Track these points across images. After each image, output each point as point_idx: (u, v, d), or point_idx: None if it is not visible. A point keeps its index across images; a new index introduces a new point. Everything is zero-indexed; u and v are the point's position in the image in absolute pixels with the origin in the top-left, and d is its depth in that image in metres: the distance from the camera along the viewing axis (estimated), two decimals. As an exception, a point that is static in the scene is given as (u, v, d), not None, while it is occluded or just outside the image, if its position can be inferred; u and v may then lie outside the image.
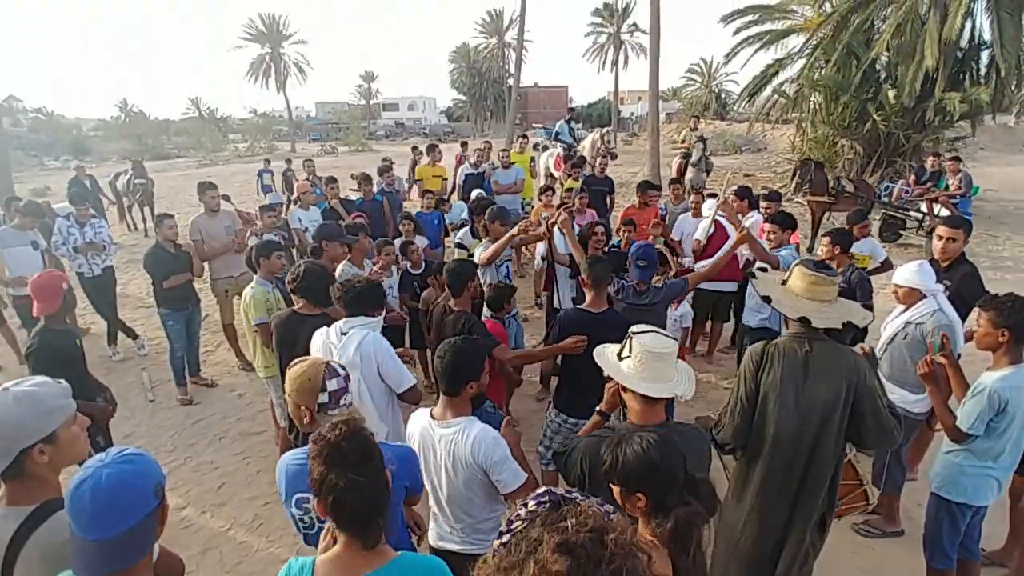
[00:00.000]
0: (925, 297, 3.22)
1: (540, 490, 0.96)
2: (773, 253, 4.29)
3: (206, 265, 5.60)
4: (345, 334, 2.84)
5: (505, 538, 0.90)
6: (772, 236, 4.53)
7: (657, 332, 1.98)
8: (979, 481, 2.60)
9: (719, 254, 4.13)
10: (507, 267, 4.70)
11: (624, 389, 1.96)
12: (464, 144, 11.07)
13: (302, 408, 1.95)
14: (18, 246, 5.66)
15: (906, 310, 3.32)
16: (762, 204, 5.22)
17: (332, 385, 1.95)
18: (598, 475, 1.87)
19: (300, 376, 1.96)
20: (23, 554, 1.42)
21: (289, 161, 14.31)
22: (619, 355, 1.99)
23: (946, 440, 2.70)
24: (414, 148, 13.12)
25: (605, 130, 11.67)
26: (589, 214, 6.01)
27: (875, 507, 3.56)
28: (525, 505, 0.92)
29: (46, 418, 1.53)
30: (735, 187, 5.95)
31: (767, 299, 2.29)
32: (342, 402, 1.99)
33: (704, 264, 4.89)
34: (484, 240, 4.69)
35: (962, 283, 3.65)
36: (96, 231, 6.03)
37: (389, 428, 2.78)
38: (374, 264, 4.69)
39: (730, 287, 5.40)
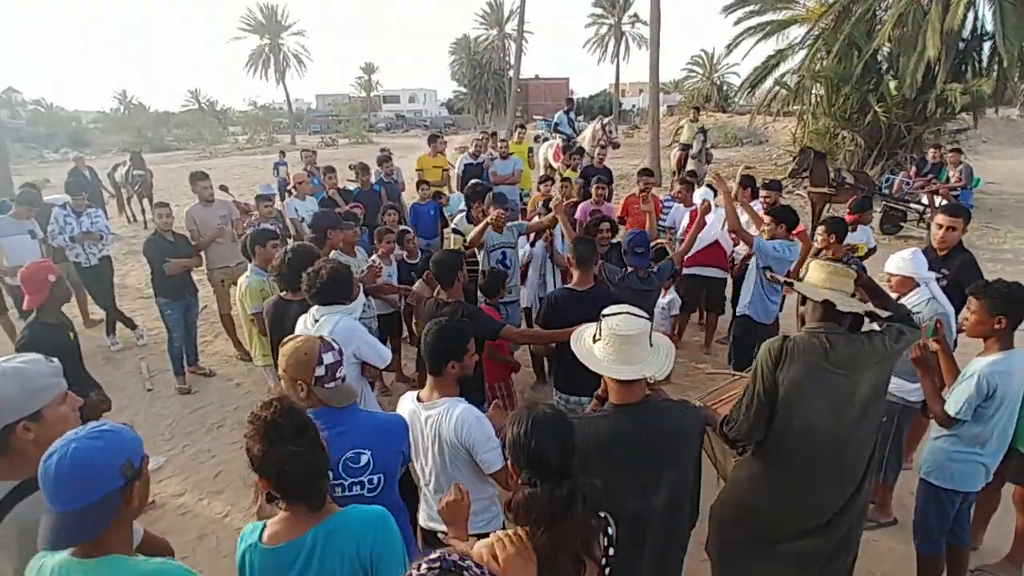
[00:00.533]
0: (918, 286, 3.21)
1: (435, 554, 1.02)
2: (767, 243, 4.26)
3: (203, 255, 5.60)
4: (318, 320, 2.87)
5: None
6: (767, 229, 4.51)
7: (628, 313, 1.97)
8: (966, 467, 2.60)
9: (692, 228, 4.26)
10: (504, 253, 4.69)
11: None
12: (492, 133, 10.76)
13: (298, 382, 1.97)
14: (15, 235, 5.67)
15: (899, 299, 3.31)
16: (761, 193, 5.21)
17: (328, 359, 1.99)
18: (581, 455, 1.90)
19: (295, 351, 1.99)
20: (0, 528, 1.43)
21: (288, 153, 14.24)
22: (593, 338, 2.00)
23: (935, 426, 2.70)
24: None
25: (607, 119, 11.58)
26: (606, 207, 6.00)
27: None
28: (418, 567, 0.98)
29: (32, 396, 1.54)
30: (741, 176, 5.93)
31: (788, 284, 2.33)
32: (337, 375, 2.01)
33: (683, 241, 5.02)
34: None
35: (960, 272, 3.61)
36: (92, 221, 6.03)
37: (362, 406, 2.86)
38: (376, 252, 4.73)
39: (717, 273, 5.45)
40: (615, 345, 1.90)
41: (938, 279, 3.39)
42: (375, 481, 1.94)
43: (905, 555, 3.08)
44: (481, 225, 4.43)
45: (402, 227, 5.64)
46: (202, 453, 4.47)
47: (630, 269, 3.71)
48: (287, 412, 1.48)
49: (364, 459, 1.91)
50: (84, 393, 3.47)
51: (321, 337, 2.07)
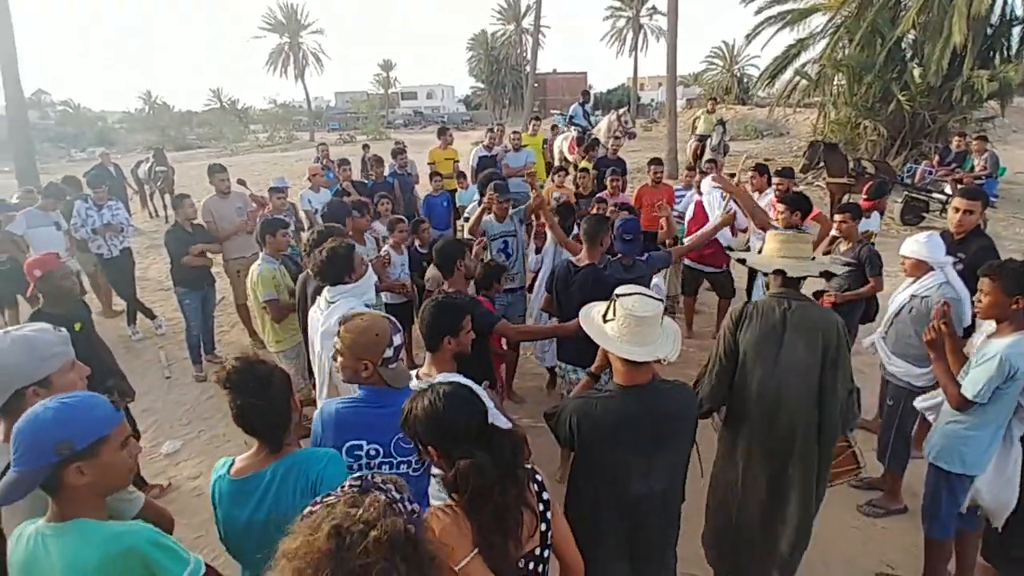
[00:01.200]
0: (932, 270, 3.15)
1: (358, 474, 1.03)
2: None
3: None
4: (332, 303, 2.89)
5: (315, 506, 0.99)
6: (781, 217, 4.45)
7: (642, 294, 1.96)
8: (978, 451, 2.53)
9: (698, 232, 4.31)
10: (505, 242, 4.71)
11: None
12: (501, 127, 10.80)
13: (363, 362, 1.94)
14: (42, 227, 5.86)
15: (913, 283, 3.26)
16: (774, 180, 5.13)
17: (396, 340, 1.99)
18: (585, 434, 1.90)
19: (366, 331, 1.95)
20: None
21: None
22: (604, 317, 1.98)
23: (946, 410, 2.63)
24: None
25: (623, 110, 11.50)
26: (622, 197, 5.98)
27: (877, 484, 3.54)
28: (343, 485, 1.00)
29: (41, 363, 1.61)
30: (751, 167, 5.84)
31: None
32: (400, 355, 2.04)
33: (689, 240, 5.05)
34: (488, 214, 4.72)
35: (976, 256, 3.49)
36: (113, 213, 6.19)
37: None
38: (390, 240, 4.87)
39: (713, 269, 5.52)
40: (630, 326, 1.88)
41: (954, 263, 3.31)
42: (423, 461, 1.92)
43: (917, 543, 3.03)
44: (478, 211, 4.50)
45: (417, 218, 5.71)
46: (217, 438, 4.58)
47: (616, 256, 3.66)
48: (247, 369, 1.67)
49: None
50: (101, 380, 3.60)
51: (390, 318, 2.06)
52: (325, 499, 1.00)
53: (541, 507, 1.53)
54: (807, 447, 2.21)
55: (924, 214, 9.82)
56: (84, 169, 12.75)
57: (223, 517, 1.69)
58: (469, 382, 2.15)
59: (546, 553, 1.54)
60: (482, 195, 5.33)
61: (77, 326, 3.33)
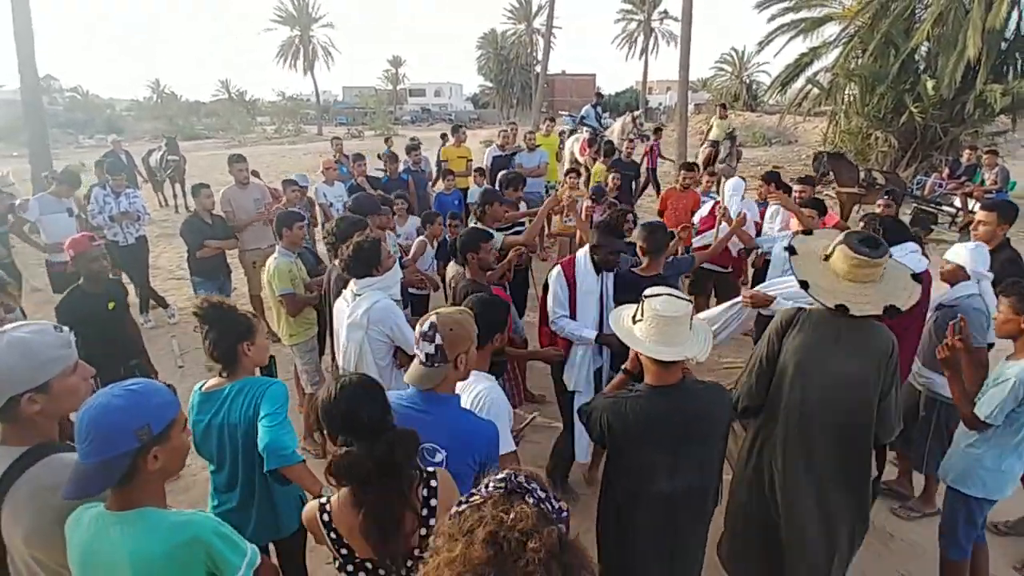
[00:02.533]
0: (967, 279, 3.15)
1: (502, 473, 1.01)
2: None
3: (237, 236, 5.73)
4: (359, 295, 2.92)
5: (461, 507, 0.98)
6: (810, 220, 4.47)
7: (671, 295, 1.99)
8: (998, 475, 2.52)
9: (718, 241, 4.33)
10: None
11: None
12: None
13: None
14: (55, 213, 5.86)
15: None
16: (795, 188, 5.21)
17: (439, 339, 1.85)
18: (617, 433, 1.93)
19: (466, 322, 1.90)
20: (11, 492, 1.45)
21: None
22: (633, 318, 2.01)
23: (965, 433, 2.61)
24: (443, 136, 13.04)
25: (637, 112, 11.54)
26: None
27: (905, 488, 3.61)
28: (487, 484, 1.00)
29: (38, 368, 1.49)
30: (766, 173, 5.88)
31: (804, 284, 2.09)
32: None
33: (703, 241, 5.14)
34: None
35: (1002, 269, 3.53)
36: (131, 201, 6.21)
37: (387, 386, 2.86)
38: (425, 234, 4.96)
39: (721, 268, 5.50)
40: (658, 326, 1.90)
41: None
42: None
43: (930, 556, 3.05)
44: (538, 219, 4.55)
45: (411, 217, 5.77)
46: (231, 428, 4.59)
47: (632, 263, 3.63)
48: (209, 308, 2.21)
49: (439, 457, 1.80)
50: (127, 359, 3.64)
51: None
52: (470, 499, 0.98)
53: (425, 512, 1.54)
54: (856, 462, 2.16)
55: (932, 226, 9.81)
56: (93, 156, 12.83)
57: (192, 422, 2.16)
58: (486, 381, 2.16)
59: (425, 556, 1.54)
60: (503, 192, 5.33)
61: (111, 305, 3.39)
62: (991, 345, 3.01)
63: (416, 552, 1.54)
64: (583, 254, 3.29)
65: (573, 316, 3.25)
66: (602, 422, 1.96)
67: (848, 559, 2.32)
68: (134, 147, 17.51)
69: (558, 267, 3.34)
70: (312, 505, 1.59)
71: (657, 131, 12.06)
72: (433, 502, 1.56)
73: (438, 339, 1.80)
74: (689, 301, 2.03)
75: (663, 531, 2.01)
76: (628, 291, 3.12)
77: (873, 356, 2.07)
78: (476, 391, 2.10)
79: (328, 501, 1.57)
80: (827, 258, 2.16)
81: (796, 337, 2.12)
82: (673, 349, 1.89)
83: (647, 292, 2.02)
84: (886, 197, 4.91)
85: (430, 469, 1.62)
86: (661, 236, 3.22)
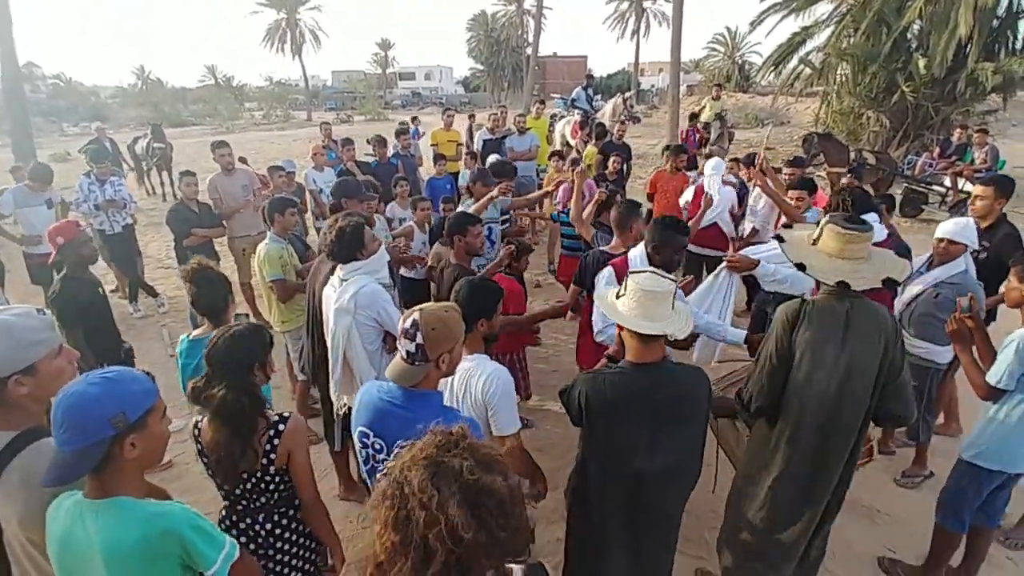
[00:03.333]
0: (957, 257, 3.21)
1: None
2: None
3: (225, 224, 5.67)
4: (345, 280, 2.89)
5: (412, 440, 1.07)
6: (800, 201, 4.51)
7: (654, 272, 2.01)
8: (1016, 445, 2.51)
9: (697, 215, 4.37)
10: (489, 228, 4.77)
11: (621, 328, 2.01)
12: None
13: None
14: (33, 206, 5.75)
15: (930, 268, 3.30)
16: (785, 170, 5.20)
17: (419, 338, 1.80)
18: (594, 409, 1.96)
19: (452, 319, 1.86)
20: (4, 476, 1.46)
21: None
22: (617, 294, 2.04)
23: (985, 406, 2.60)
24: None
25: (628, 94, 11.49)
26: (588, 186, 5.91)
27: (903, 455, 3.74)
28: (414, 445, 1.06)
29: (23, 350, 1.51)
30: (764, 149, 5.85)
31: (801, 267, 2.11)
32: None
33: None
34: (469, 199, 4.74)
35: (1002, 244, 3.65)
36: (116, 188, 6.13)
37: (377, 372, 2.85)
38: (413, 217, 4.95)
39: (714, 253, 5.41)
40: (639, 300, 1.94)
41: (978, 252, 3.45)
42: None
43: (916, 529, 3.10)
44: (484, 199, 4.46)
45: (420, 196, 5.72)
46: (223, 416, 4.58)
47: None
48: (199, 269, 2.75)
49: None
50: (116, 347, 3.63)
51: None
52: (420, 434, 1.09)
53: (268, 448, 1.94)
54: (855, 448, 2.16)
55: (923, 206, 9.85)
56: (77, 144, 12.64)
57: (182, 364, 2.73)
58: (498, 365, 2.16)
59: (266, 479, 1.99)
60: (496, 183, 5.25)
61: (100, 289, 3.37)
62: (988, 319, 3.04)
63: (254, 479, 1.97)
64: (639, 253, 2.97)
65: None
66: (580, 398, 1.98)
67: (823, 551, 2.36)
68: (119, 135, 17.27)
69: (608, 269, 3.01)
70: (193, 420, 2.04)
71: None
72: (276, 442, 1.95)
73: (419, 338, 1.77)
74: (673, 280, 2.03)
75: (634, 509, 2.04)
76: (597, 270, 3.17)
77: (882, 337, 2.06)
78: (486, 374, 2.09)
79: (202, 420, 1.96)
80: (815, 242, 2.18)
81: (806, 330, 2.07)
82: (654, 324, 1.91)
83: (632, 270, 2.07)
84: (850, 175, 5.00)
85: (284, 415, 2.01)
86: (625, 212, 3.23)
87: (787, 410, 2.15)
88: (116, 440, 1.30)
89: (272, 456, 1.94)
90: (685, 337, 2.02)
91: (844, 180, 4.97)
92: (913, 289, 3.36)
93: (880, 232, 3.26)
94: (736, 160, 6.50)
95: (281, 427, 1.95)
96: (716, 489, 2.88)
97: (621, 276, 2.90)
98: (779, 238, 2.29)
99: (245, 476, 1.95)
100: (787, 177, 5.04)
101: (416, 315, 1.80)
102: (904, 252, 3.82)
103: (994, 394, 2.49)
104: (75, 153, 9.20)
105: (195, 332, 2.75)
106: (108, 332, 3.65)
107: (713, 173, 5.39)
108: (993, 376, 2.46)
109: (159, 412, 1.39)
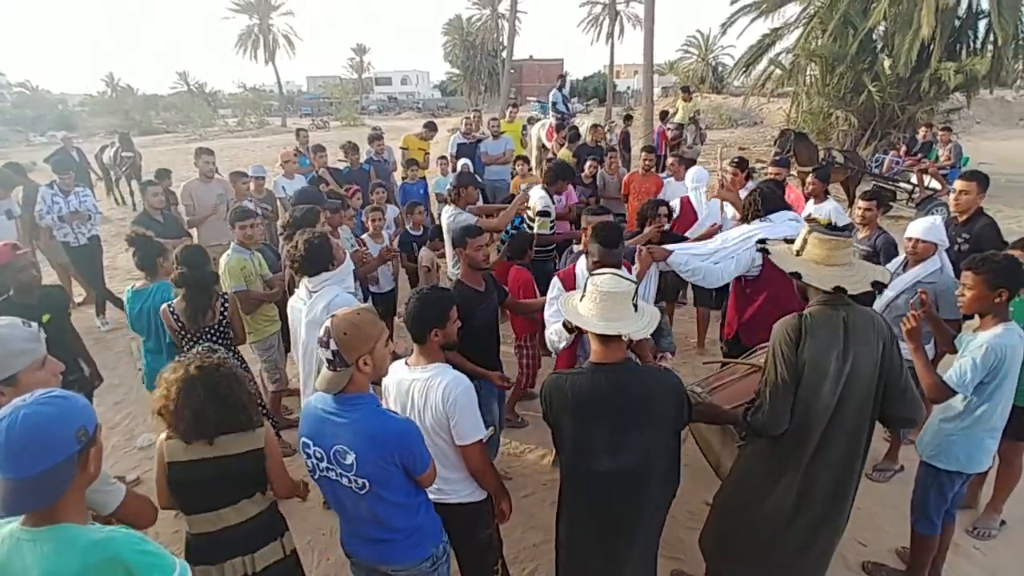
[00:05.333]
0: (933, 255, 3.29)
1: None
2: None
3: (195, 232, 5.56)
4: (315, 292, 2.86)
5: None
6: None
7: (614, 274, 2.02)
8: (972, 448, 2.55)
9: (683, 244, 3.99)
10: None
11: (583, 331, 2.04)
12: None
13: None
14: None
15: (906, 268, 3.38)
16: (770, 170, 5.37)
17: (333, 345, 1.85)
18: (556, 409, 1.99)
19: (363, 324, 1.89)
20: None
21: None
22: (581, 297, 2.06)
23: (941, 408, 2.64)
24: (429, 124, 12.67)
25: (601, 124, 11.59)
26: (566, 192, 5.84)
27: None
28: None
29: (7, 359, 1.54)
30: (735, 159, 5.81)
31: (796, 275, 2.11)
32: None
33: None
34: (452, 207, 4.63)
35: (981, 235, 3.79)
36: (81, 200, 5.97)
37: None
38: (366, 231, 4.87)
39: None
40: (597, 301, 1.96)
41: (956, 245, 3.58)
42: (360, 483, 1.84)
43: (890, 523, 3.14)
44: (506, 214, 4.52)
45: (390, 207, 5.68)
46: (194, 430, 4.48)
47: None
48: (137, 236, 3.60)
49: (349, 459, 1.82)
50: (67, 374, 3.48)
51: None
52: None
53: (220, 310, 3.33)
54: (859, 455, 2.15)
55: (891, 203, 10.06)
56: (43, 154, 12.30)
57: (129, 310, 3.53)
58: (457, 374, 2.15)
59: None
60: (550, 186, 5.06)
61: (45, 317, 3.20)
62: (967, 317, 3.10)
63: (212, 331, 3.27)
64: (583, 265, 2.95)
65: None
66: (546, 399, 2.01)
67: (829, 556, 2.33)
68: (88, 144, 16.91)
69: (556, 279, 3.05)
70: (164, 306, 3.26)
71: (627, 118, 12.10)
72: (225, 307, 3.35)
73: (332, 344, 1.80)
74: (634, 281, 2.05)
75: (600, 510, 2.04)
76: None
77: (879, 340, 2.07)
78: (445, 383, 2.09)
79: (174, 300, 3.22)
80: (799, 253, 2.18)
81: (810, 344, 2.04)
82: (611, 324, 1.93)
83: (593, 272, 2.08)
84: (774, 167, 5.21)
85: (229, 295, 3.51)
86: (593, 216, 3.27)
87: (795, 426, 2.11)
88: (80, 456, 1.28)
89: (224, 315, 3.38)
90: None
91: (771, 170, 5.10)
92: (890, 292, 3.39)
93: (796, 229, 3.29)
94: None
95: (226, 302, 3.43)
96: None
97: (568, 287, 2.92)
98: (763, 249, 2.29)
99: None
100: (772, 177, 5.14)
101: (328, 323, 1.85)
102: (892, 249, 3.91)
103: (946, 396, 2.50)
104: (41, 163, 8.95)
105: (136, 285, 3.53)
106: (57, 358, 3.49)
107: (697, 185, 5.26)
108: (954, 378, 2.45)
109: (100, 426, 1.39)
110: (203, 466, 1.92)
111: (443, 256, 4.93)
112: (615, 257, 2.67)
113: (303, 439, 1.93)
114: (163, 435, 1.98)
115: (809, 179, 4.92)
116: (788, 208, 3.49)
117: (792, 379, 2.05)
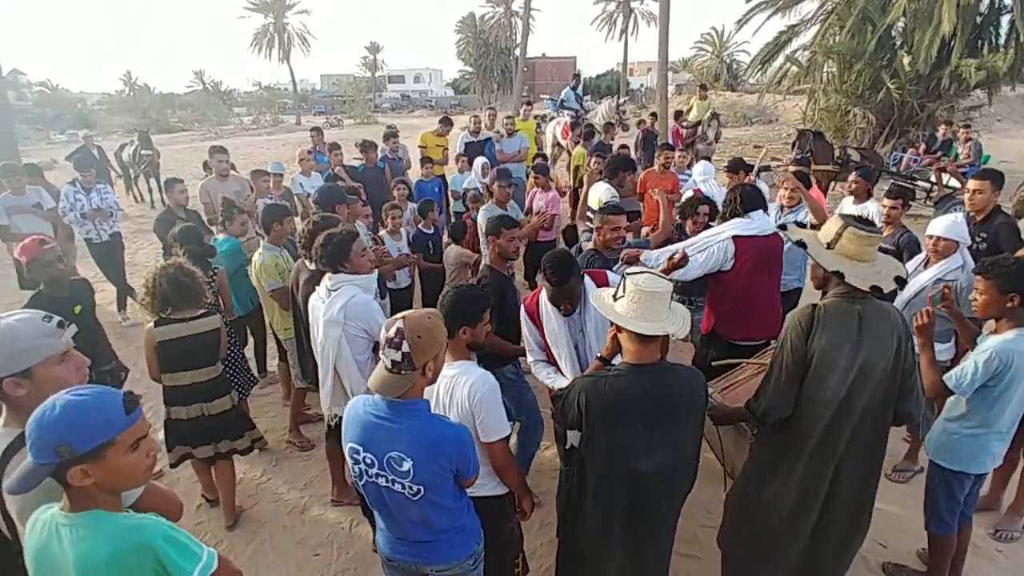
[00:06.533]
0: (954, 253, 3.27)
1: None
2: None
3: (213, 230, 5.62)
4: (334, 291, 2.87)
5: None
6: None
7: (652, 273, 2.01)
8: (976, 450, 2.54)
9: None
10: None
11: (619, 330, 2.00)
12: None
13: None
14: (24, 213, 5.65)
15: (927, 266, 3.35)
16: (791, 169, 5.34)
17: (406, 347, 1.80)
18: (594, 412, 1.94)
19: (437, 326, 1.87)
20: (7, 472, 1.47)
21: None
22: (614, 296, 2.03)
23: (949, 405, 2.64)
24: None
25: (622, 100, 11.56)
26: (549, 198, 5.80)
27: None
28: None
29: (17, 354, 1.54)
30: (769, 157, 5.84)
31: (839, 274, 2.06)
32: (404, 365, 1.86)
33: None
34: (489, 201, 4.75)
35: (998, 233, 3.76)
36: (102, 197, 6.07)
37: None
38: (384, 228, 4.89)
39: None
40: (640, 302, 1.93)
41: (974, 244, 3.56)
42: (415, 489, 1.82)
43: (909, 526, 3.12)
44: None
45: (426, 199, 5.71)
46: (214, 424, 4.54)
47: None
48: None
49: (406, 466, 1.79)
50: (98, 364, 3.56)
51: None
52: None
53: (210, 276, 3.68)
54: (872, 451, 2.16)
55: (910, 202, 9.92)
56: (64, 151, 12.52)
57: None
58: (483, 372, 2.16)
59: None
60: (614, 176, 4.96)
61: (77, 309, 3.29)
62: None
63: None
64: (544, 292, 2.83)
65: (554, 361, 2.88)
66: (580, 402, 1.96)
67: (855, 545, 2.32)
68: (107, 142, 17.15)
69: (522, 306, 2.98)
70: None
71: (653, 115, 12.05)
72: (213, 277, 3.76)
73: (405, 346, 1.74)
74: (670, 281, 2.05)
75: (633, 508, 2.03)
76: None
77: (895, 335, 2.06)
78: (472, 380, 2.10)
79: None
80: (830, 246, 2.15)
81: (821, 336, 2.04)
82: (655, 324, 1.91)
83: (629, 271, 2.06)
84: (795, 167, 5.21)
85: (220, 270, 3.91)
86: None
87: (800, 416, 2.13)
88: (61, 467, 1.26)
89: (213, 282, 3.81)
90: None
91: (791, 169, 5.09)
92: (912, 287, 3.37)
93: (768, 222, 3.49)
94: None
95: (215, 276, 3.90)
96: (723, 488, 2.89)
97: (532, 316, 2.84)
98: (801, 244, 2.24)
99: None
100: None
101: (400, 323, 1.78)
102: (915, 247, 3.88)
103: (943, 394, 2.50)
104: (62, 161, 9.13)
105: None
106: (87, 350, 3.57)
107: (706, 177, 5.38)
108: (953, 379, 2.45)
109: (123, 445, 1.32)
110: (180, 342, 3.07)
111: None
112: (568, 292, 2.63)
113: (352, 445, 1.87)
114: (149, 324, 3.10)
115: (852, 177, 4.92)
116: (766, 208, 3.57)
117: (797, 368, 2.08)
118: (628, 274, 2.01)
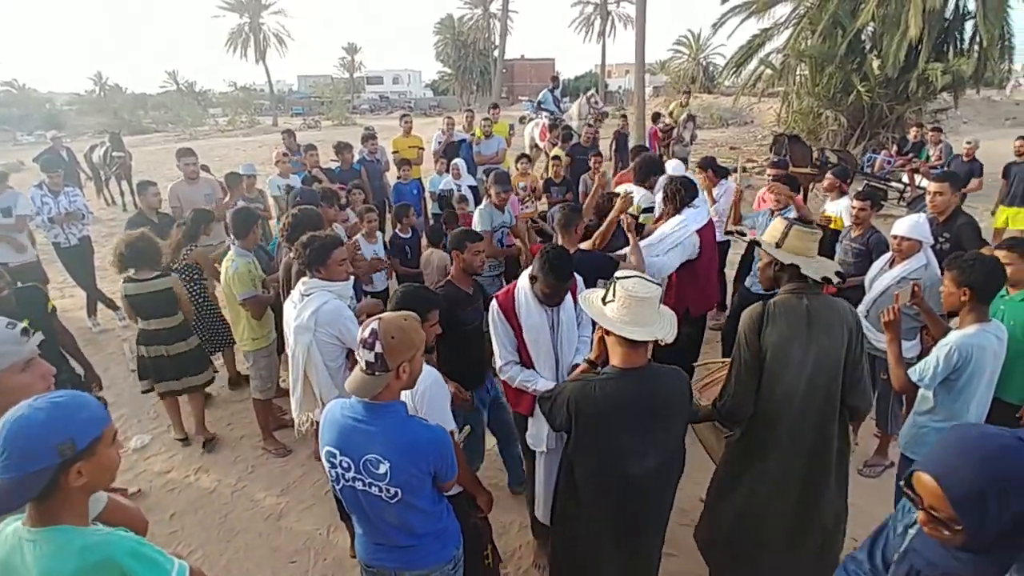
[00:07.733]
0: (918, 252, 3.35)
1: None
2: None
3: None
4: (307, 296, 2.84)
5: None
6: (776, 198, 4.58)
7: (641, 277, 2.01)
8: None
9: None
10: (503, 233, 4.82)
11: (607, 333, 2.00)
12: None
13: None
14: None
15: (892, 265, 3.43)
16: (769, 171, 5.45)
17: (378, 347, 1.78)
18: (584, 416, 1.95)
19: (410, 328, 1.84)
20: None
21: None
22: (603, 300, 2.02)
23: (918, 400, 2.70)
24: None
25: (590, 92, 11.60)
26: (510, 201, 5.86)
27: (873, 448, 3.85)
28: None
29: None
30: (742, 163, 5.96)
31: (795, 267, 2.15)
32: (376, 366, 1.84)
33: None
34: (485, 202, 4.78)
35: (960, 233, 3.87)
36: (71, 200, 5.92)
37: (340, 389, 2.75)
38: (360, 232, 4.80)
39: None
40: (630, 307, 1.93)
41: (938, 244, 3.62)
42: (392, 492, 1.80)
43: (873, 521, 3.18)
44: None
45: (403, 202, 5.65)
46: (188, 431, 4.46)
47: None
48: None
49: (383, 468, 1.77)
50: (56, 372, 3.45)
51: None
52: None
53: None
54: (838, 440, 2.19)
55: (883, 202, 10.16)
56: (31, 153, 12.18)
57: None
58: (427, 367, 2.11)
59: None
60: (643, 180, 4.64)
61: (24, 323, 3.17)
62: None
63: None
64: (523, 285, 2.67)
65: (528, 362, 2.72)
66: (569, 406, 1.96)
67: (836, 539, 2.36)
68: (77, 144, 16.73)
69: (494, 302, 2.74)
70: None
71: (624, 117, 12.15)
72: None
73: (378, 347, 1.73)
74: (659, 284, 2.06)
75: (623, 510, 2.04)
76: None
77: (844, 329, 2.12)
78: (423, 382, 2.08)
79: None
80: (778, 245, 2.23)
81: (772, 332, 2.10)
82: (645, 330, 1.92)
83: (618, 274, 2.05)
84: (772, 169, 5.40)
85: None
86: (570, 213, 3.36)
87: (759, 412, 2.18)
88: (62, 468, 1.24)
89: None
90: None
91: (770, 172, 5.31)
92: (878, 286, 3.48)
93: (704, 215, 3.96)
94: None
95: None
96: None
97: (507, 313, 2.67)
98: (756, 244, 2.36)
99: None
100: (770, 176, 5.20)
101: (375, 324, 1.77)
102: (884, 247, 3.98)
103: (909, 388, 2.58)
104: (29, 163, 8.86)
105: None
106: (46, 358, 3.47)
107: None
108: (917, 373, 2.53)
109: (108, 439, 1.32)
110: (139, 297, 3.83)
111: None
112: (565, 291, 2.59)
113: (328, 448, 1.85)
114: (121, 281, 3.88)
115: (828, 175, 5.09)
116: (697, 195, 3.96)
117: (755, 363, 2.14)
118: (618, 278, 2.00)
